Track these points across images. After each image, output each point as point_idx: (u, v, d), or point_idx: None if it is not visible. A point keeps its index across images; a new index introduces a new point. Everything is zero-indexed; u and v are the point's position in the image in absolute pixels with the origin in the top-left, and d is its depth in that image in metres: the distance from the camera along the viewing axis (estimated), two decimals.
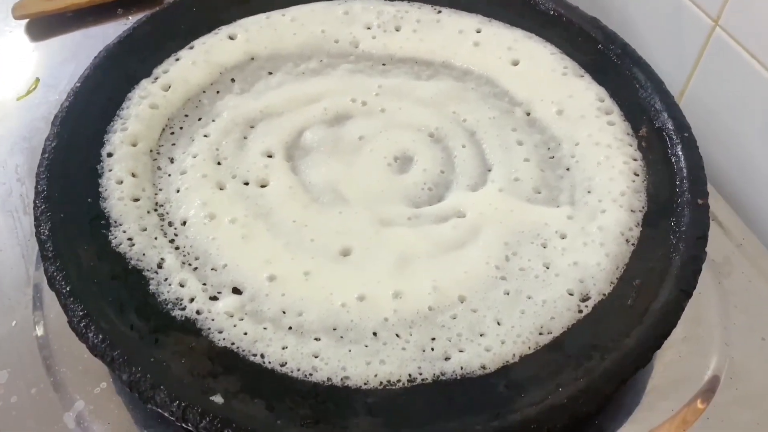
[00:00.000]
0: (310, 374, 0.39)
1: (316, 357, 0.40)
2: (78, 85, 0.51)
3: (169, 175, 0.48)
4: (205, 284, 0.43)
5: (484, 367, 0.40)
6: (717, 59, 0.58)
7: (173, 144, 0.50)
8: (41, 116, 0.60)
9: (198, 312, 0.42)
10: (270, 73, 0.55)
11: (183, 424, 0.36)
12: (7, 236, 0.52)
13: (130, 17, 0.68)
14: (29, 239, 0.52)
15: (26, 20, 0.68)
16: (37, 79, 0.63)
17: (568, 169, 0.49)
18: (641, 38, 0.63)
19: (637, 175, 0.48)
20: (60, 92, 0.62)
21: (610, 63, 0.54)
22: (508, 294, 0.43)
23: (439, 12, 0.58)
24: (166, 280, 0.43)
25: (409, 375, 0.39)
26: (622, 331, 0.40)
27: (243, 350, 0.40)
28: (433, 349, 0.40)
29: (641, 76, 0.52)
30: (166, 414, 0.37)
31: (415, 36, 0.57)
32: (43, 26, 0.68)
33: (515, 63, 0.55)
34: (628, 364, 0.39)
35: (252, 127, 0.51)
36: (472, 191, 0.48)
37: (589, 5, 0.59)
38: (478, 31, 0.57)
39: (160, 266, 0.43)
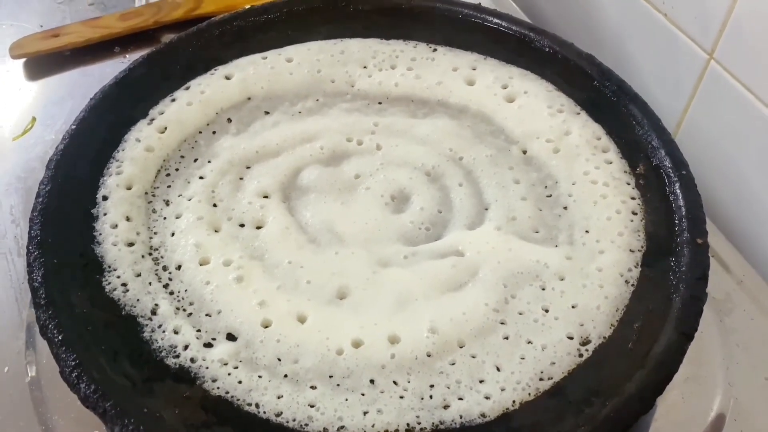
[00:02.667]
0: (306, 425, 0.38)
1: (312, 407, 0.39)
2: (73, 127, 0.50)
3: (165, 218, 0.48)
4: (199, 330, 0.42)
5: (483, 416, 0.39)
6: (712, 92, 0.58)
7: (169, 186, 0.50)
8: (37, 156, 0.60)
9: (192, 360, 0.41)
10: (267, 113, 0.55)
11: None
12: (1, 279, 0.52)
13: (127, 56, 0.68)
14: (23, 282, 0.51)
15: (24, 59, 0.68)
16: (34, 119, 0.63)
17: (565, 208, 0.49)
18: (637, 72, 0.63)
19: (635, 214, 0.48)
20: (56, 131, 0.62)
21: (607, 100, 0.54)
22: (507, 339, 0.42)
23: (435, 50, 0.58)
24: (160, 326, 0.42)
25: (408, 424, 0.39)
26: (624, 376, 0.40)
27: (238, 399, 0.39)
28: (431, 397, 0.40)
29: (638, 113, 0.52)
30: None
31: (410, 74, 0.57)
32: (40, 65, 0.68)
33: (511, 100, 0.55)
34: (630, 410, 0.38)
35: (248, 167, 0.51)
36: (469, 230, 0.48)
37: (584, 41, 0.59)
38: (474, 69, 0.57)
39: (154, 312, 0.43)
